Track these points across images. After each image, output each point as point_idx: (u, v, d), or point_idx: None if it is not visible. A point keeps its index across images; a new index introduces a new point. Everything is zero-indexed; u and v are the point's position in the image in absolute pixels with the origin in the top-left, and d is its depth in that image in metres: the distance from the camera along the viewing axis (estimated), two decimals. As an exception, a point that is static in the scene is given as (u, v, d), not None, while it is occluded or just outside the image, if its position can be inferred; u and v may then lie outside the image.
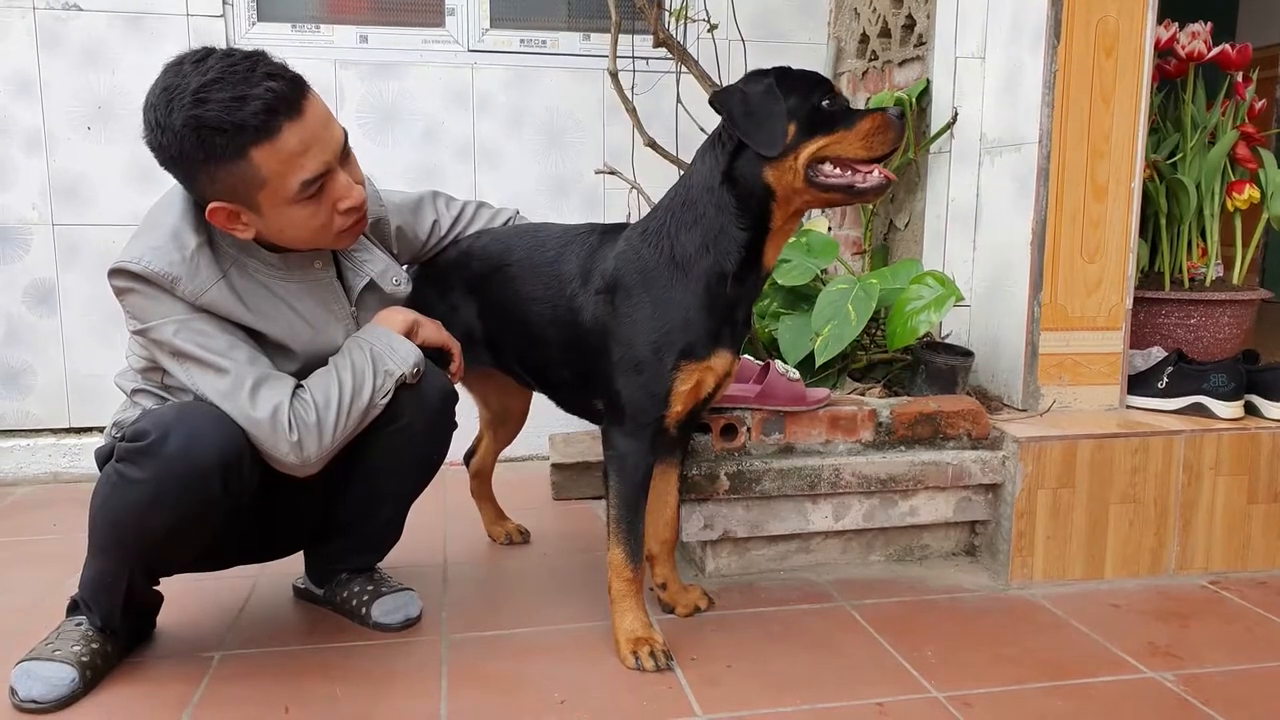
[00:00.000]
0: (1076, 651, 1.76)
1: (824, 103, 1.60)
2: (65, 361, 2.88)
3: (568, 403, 1.90)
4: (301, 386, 1.58)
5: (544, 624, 1.86)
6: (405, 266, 1.91)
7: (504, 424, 2.30)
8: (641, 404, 1.67)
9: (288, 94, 1.46)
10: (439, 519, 2.47)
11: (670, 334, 1.64)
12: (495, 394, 2.23)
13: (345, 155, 1.57)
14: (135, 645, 1.74)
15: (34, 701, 1.52)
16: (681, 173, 2.53)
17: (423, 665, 1.69)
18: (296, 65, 2.92)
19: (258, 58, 1.47)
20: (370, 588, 1.86)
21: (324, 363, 1.63)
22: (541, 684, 1.62)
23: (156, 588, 1.74)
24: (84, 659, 1.59)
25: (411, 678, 1.64)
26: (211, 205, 1.50)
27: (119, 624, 1.66)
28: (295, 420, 1.53)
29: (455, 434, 1.82)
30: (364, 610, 1.83)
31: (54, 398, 2.89)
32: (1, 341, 2.85)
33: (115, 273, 1.51)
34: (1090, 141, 2.14)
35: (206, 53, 1.46)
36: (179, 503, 1.46)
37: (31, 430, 2.90)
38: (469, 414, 2.15)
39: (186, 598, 1.92)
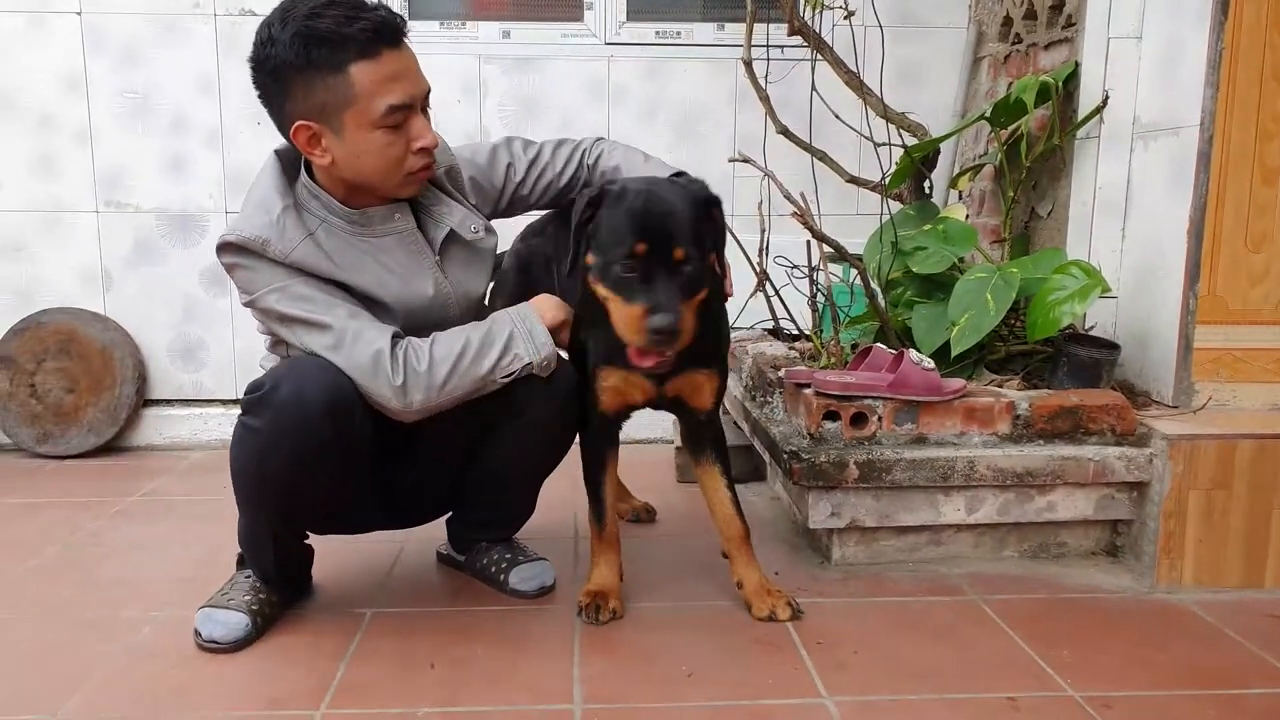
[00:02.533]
0: (1229, 660, 1.68)
1: (618, 266, 1.58)
2: (234, 339, 3.11)
3: None
4: (413, 338, 1.65)
5: (670, 599, 1.90)
6: (499, 215, 1.94)
7: None
8: None
9: (393, 24, 1.59)
10: (571, 494, 2.55)
11: None
12: None
13: (425, 108, 1.66)
14: (296, 598, 1.88)
15: (215, 642, 1.68)
16: (814, 159, 2.54)
17: (557, 632, 1.76)
18: (443, 60, 3.08)
19: (366, 2, 1.59)
20: (509, 556, 1.95)
21: (421, 313, 1.70)
22: (669, 656, 1.67)
23: (307, 542, 1.87)
24: (254, 607, 1.74)
25: (546, 643, 1.72)
26: (296, 124, 1.59)
27: (277, 575, 1.79)
28: (403, 366, 1.61)
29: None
30: (502, 577, 1.92)
31: (224, 371, 3.14)
32: (180, 319, 3.11)
33: (220, 249, 1.64)
34: (1259, 123, 2.03)
35: None
36: (294, 446, 1.57)
37: (205, 400, 3.16)
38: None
39: (340, 559, 2.06)
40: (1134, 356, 2.22)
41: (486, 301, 2.09)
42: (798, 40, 2.56)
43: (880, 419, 2.02)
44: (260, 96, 1.64)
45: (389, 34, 1.57)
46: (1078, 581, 1.99)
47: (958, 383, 2.05)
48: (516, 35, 3.10)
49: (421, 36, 3.03)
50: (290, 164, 1.72)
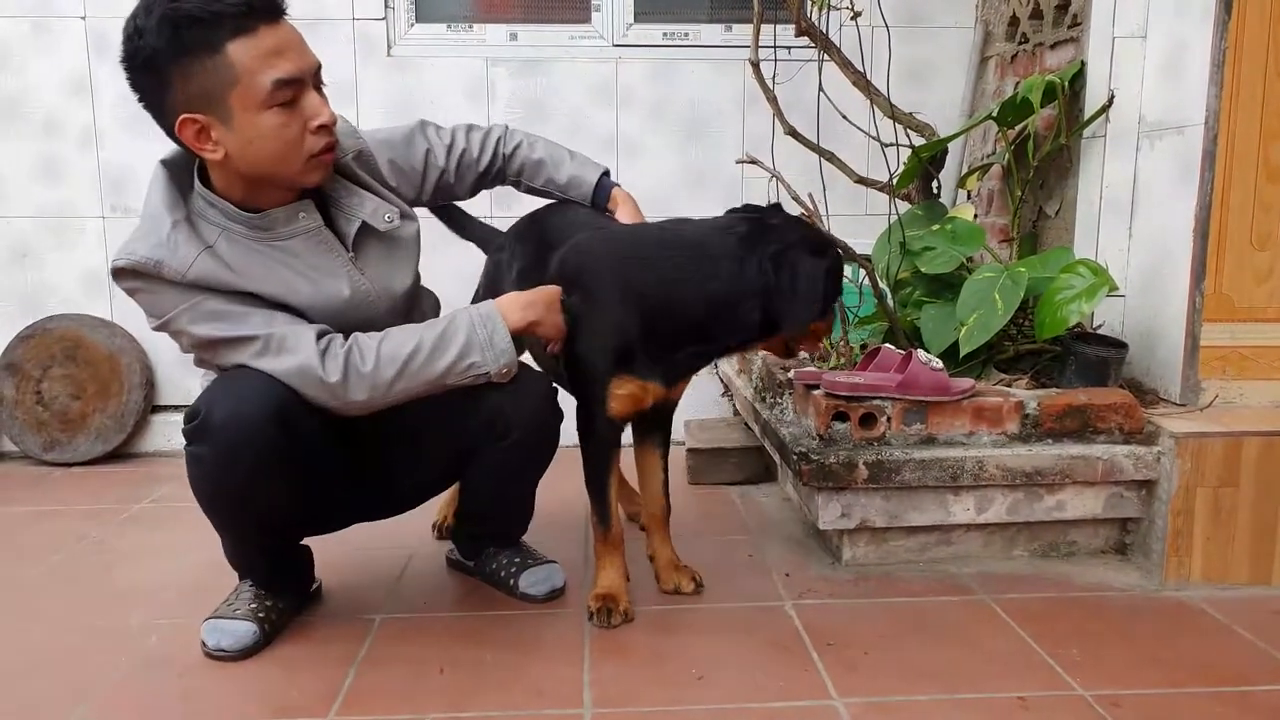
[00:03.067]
0: (1238, 658, 1.68)
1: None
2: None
3: None
4: (361, 334, 1.60)
5: (682, 602, 1.90)
6: (425, 203, 1.90)
7: None
8: None
9: None
10: (579, 497, 2.55)
11: None
12: None
13: (319, 84, 1.57)
14: (303, 602, 1.88)
15: (222, 650, 1.68)
16: (822, 160, 2.54)
17: (567, 636, 1.76)
18: (450, 63, 3.07)
19: None
20: (518, 560, 1.95)
21: (340, 315, 1.63)
22: (680, 659, 1.67)
23: (301, 544, 1.86)
24: (260, 615, 1.74)
25: (556, 647, 1.72)
26: (180, 118, 1.48)
27: (276, 584, 1.79)
28: (342, 364, 1.55)
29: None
30: (511, 581, 1.93)
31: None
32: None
33: (114, 275, 1.55)
34: (1264, 121, 2.02)
35: None
36: (243, 465, 1.54)
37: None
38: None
39: (350, 565, 2.06)
40: (1141, 355, 2.22)
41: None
42: (805, 41, 2.56)
43: (889, 419, 2.02)
44: (139, 98, 1.52)
45: (264, 7, 1.48)
46: (1087, 580, 1.99)
47: (966, 382, 2.05)
48: (524, 37, 3.11)
49: (428, 39, 3.05)
50: (181, 172, 1.61)
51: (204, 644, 1.70)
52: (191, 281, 1.53)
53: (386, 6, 3.01)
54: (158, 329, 1.59)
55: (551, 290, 1.73)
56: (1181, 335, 2.09)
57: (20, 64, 2.96)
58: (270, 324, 1.57)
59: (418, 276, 1.80)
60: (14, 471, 2.94)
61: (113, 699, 1.57)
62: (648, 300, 1.72)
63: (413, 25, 3.07)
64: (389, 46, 3.03)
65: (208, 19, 1.43)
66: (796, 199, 2.20)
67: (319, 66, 1.56)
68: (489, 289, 2.08)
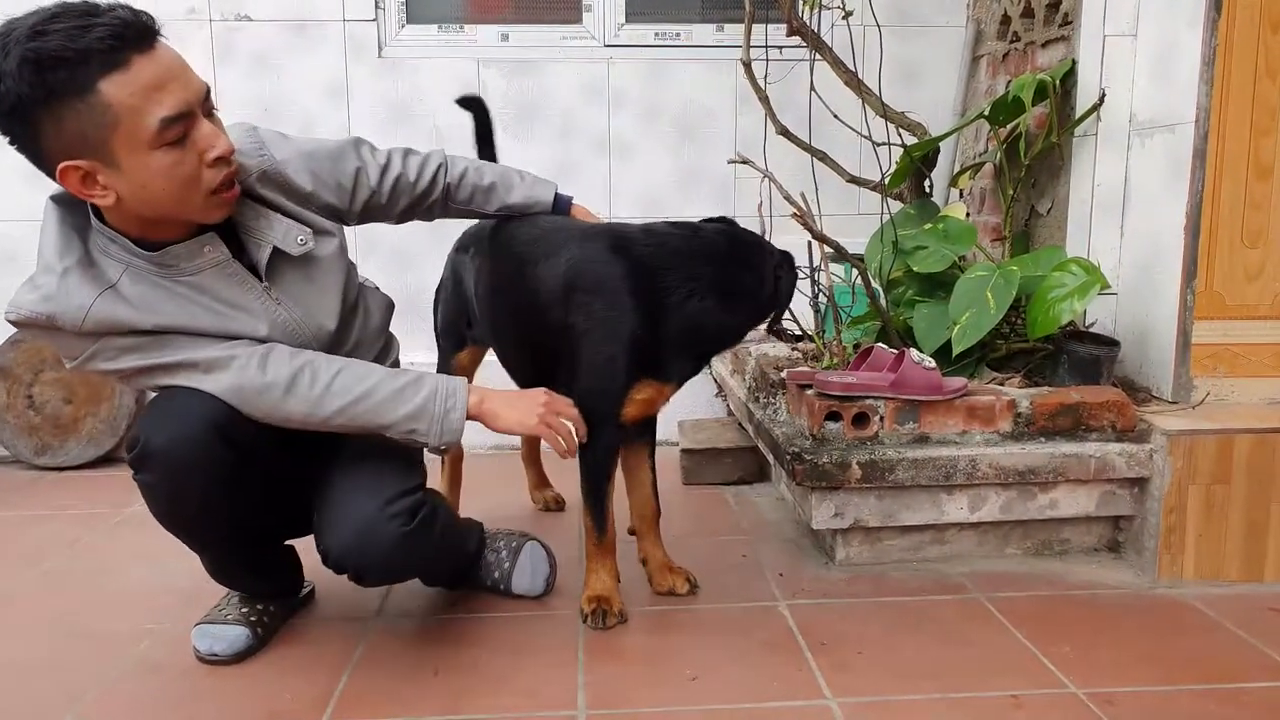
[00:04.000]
0: (1231, 655, 1.68)
1: None
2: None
3: None
4: (321, 357, 1.56)
5: (675, 603, 1.90)
6: (353, 220, 1.77)
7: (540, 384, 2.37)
8: None
9: (136, 24, 1.33)
10: (573, 501, 2.55)
11: None
12: None
13: (209, 110, 1.43)
14: (296, 606, 1.87)
15: (214, 655, 1.67)
16: (814, 160, 2.54)
17: (560, 637, 1.76)
18: (442, 64, 3.07)
19: (100, 3, 1.34)
20: (497, 556, 1.94)
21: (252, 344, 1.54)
22: (673, 660, 1.67)
23: (286, 546, 1.83)
24: (252, 619, 1.73)
25: (550, 648, 1.72)
26: (62, 166, 1.34)
27: (264, 590, 1.79)
28: (290, 378, 1.50)
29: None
30: (502, 586, 1.93)
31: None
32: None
33: (13, 325, 1.47)
34: (1254, 119, 2.03)
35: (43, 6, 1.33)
36: (196, 482, 1.51)
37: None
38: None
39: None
40: (1134, 353, 2.22)
41: (433, 303, 2.18)
42: (797, 41, 2.56)
43: (882, 419, 2.02)
44: (11, 142, 1.36)
45: (135, 36, 1.32)
46: (1080, 578, 1.99)
47: (959, 382, 2.05)
48: (515, 38, 3.10)
49: (419, 40, 3.05)
50: (75, 206, 1.48)
51: (196, 649, 1.69)
52: (91, 329, 1.43)
53: (377, 8, 3.01)
54: (75, 369, 1.51)
55: (537, 394, 1.67)
56: (1173, 333, 2.09)
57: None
58: (195, 347, 1.49)
59: (349, 287, 1.70)
60: (6, 476, 2.93)
61: (105, 704, 1.56)
62: (671, 307, 1.75)
63: (403, 26, 3.07)
64: (380, 48, 3.03)
65: (73, 57, 1.27)
66: (788, 199, 2.20)
67: (207, 91, 1.42)
68: (454, 290, 2.14)
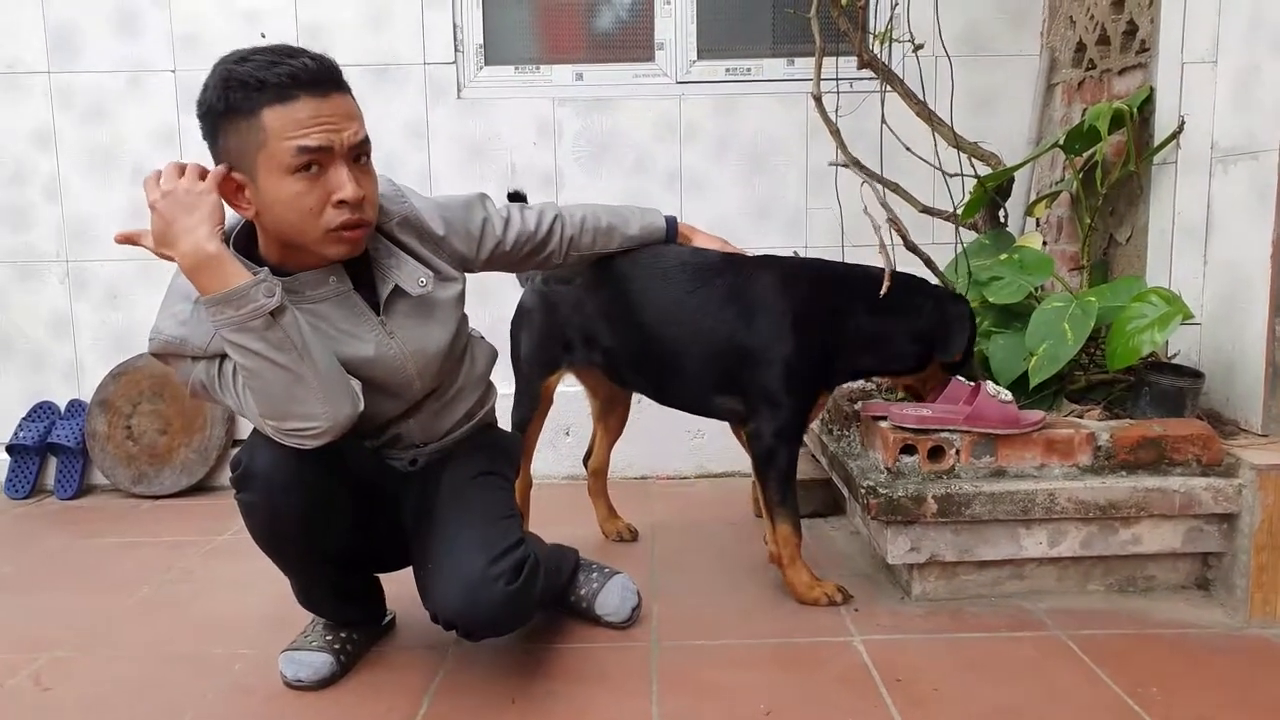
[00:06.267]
0: (1327, 698, 1.62)
1: None
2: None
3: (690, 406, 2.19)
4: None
5: (750, 637, 1.91)
6: (480, 268, 1.88)
7: (612, 412, 2.49)
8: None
9: (318, 72, 1.50)
10: (646, 530, 2.57)
11: None
12: (603, 384, 2.39)
13: (359, 158, 1.56)
14: (378, 633, 1.93)
15: (299, 681, 1.74)
16: (886, 191, 2.54)
17: (635, 669, 1.78)
18: (518, 104, 3.14)
19: (307, 49, 1.53)
20: (585, 584, 1.99)
21: (364, 371, 1.63)
22: (747, 693, 1.67)
23: (372, 577, 1.91)
24: (336, 647, 1.79)
25: (624, 679, 1.74)
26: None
27: (348, 617, 1.85)
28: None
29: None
30: (584, 605, 1.98)
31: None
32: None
33: (151, 353, 1.59)
34: (1341, 145, 1.97)
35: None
36: (294, 504, 1.60)
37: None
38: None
39: (423, 595, 2.10)
40: (1220, 385, 2.16)
41: (509, 331, 2.28)
42: (868, 73, 2.57)
43: (958, 452, 2.00)
44: (205, 139, 1.56)
45: (311, 79, 1.49)
46: (1166, 616, 1.94)
47: (1036, 415, 2.02)
48: (589, 77, 3.18)
49: (497, 81, 3.14)
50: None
51: (283, 675, 1.76)
52: (216, 350, 1.55)
53: (456, 50, 3.11)
54: (194, 395, 1.63)
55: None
56: (1261, 364, 2.03)
57: (113, 114, 3.13)
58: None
59: (460, 334, 1.79)
60: (105, 504, 3.07)
61: (200, 725, 1.63)
62: (849, 328, 2.03)
63: (481, 68, 3.16)
64: (459, 89, 3.13)
65: (253, 84, 1.47)
66: (883, 204, 2.25)
67: (359, 142, 1.55)
68: (545, 319, 2.23)
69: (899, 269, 2.06)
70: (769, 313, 2.01)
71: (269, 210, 1.53)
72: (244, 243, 1.62)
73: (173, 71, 3.11)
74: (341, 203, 1.52)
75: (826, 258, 2.29)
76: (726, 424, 2.27)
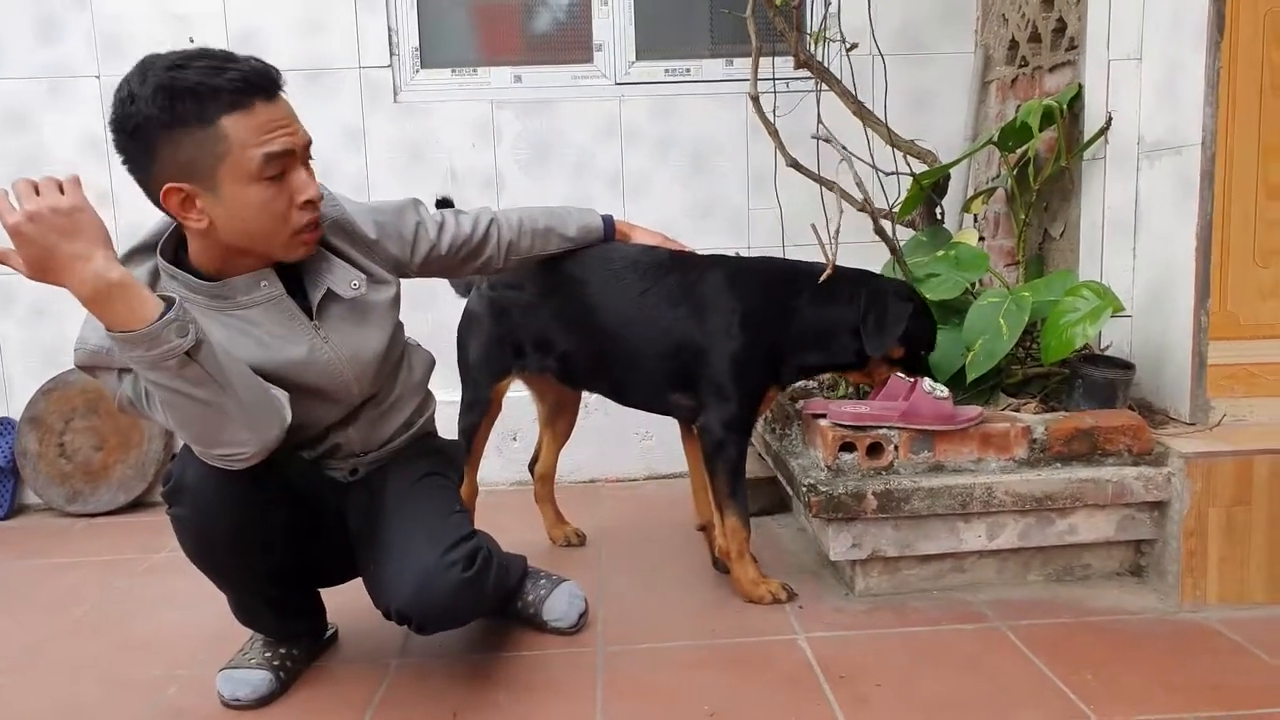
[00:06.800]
0: (1255, 680, 1.66)
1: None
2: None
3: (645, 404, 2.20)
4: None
5: (696, 638, 1.91)
6: (415, 273, 1.85)
7: (560, 416, 2.49)
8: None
9: (267, 75, 1.48)
10: (594, 534, 2.56)
11: None
12: (551, 389, 2.39)
13: (307, 160, 1.56)
14: (320, 649, 1.90)
15: (238, 700, 1.70)
16: (824, 189, 2.56)
17: (581, 675, 1.77)
18: (456, 107, 3.11)
19: (235, 53, 1.49)
20: (531, 590, 1.99)
21: (298, 375, 1.60)
22: (692, 696, 1.67)
23: (310, 591, 1.88)
24: (275, 663, 1.76)
25: (569, 686, 1.73)
26: (167, 187, 1.45)
27: (288, 632, 1.82)
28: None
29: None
30: (532, 611, 1.97)
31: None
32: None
33: (77, 366, 1.53)
34: (1261, 139, 2.03)
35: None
36: (225, 518, 1.57)
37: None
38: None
39: (366, 610, 2.06)
40: (1150, 375, 2.21)
41: (456, 337, 2.25)
42: (805, 72, 2.59)
43: (897, 448, 2.02)
44: (124, 162, 1.48)
45: (261, 84, 1.47)
46: (1102, 603, 1.98)
47: (973, 411, 2.05)
48: (528, 79, 3.16)
49: (434, 84, 3.11)
50: (140, 250, 1.59)
51: (220, 694, 1.72)
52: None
53: (392, 54, 3.07)
54: (122, 410, 1.56)
55: None
56: (1188, 354, 2.08)
57: (36, 122, 3.04)
58: None
59: (396, 339, 1.77)
60: (39, 524, 2.98)
61: (133, 750, 1.59)
62: (794, 324, 2.05)
63: (418, 71, 3.13)
64: (395, 93, 3.09)
65: (205, 92, 1.42)
66: (859, 185, 2.29)
67: (309, 143, 1.57)
68: (493, 324, 2.21)
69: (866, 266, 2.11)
70: (718, 310, 2.03)
71: (232, 219, 1.50)
72: (172, 251, 1.59)
73: (97, 77, 3.04)
74: (307, 203, 1.54)
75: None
76: (676, 425, 2.28)
